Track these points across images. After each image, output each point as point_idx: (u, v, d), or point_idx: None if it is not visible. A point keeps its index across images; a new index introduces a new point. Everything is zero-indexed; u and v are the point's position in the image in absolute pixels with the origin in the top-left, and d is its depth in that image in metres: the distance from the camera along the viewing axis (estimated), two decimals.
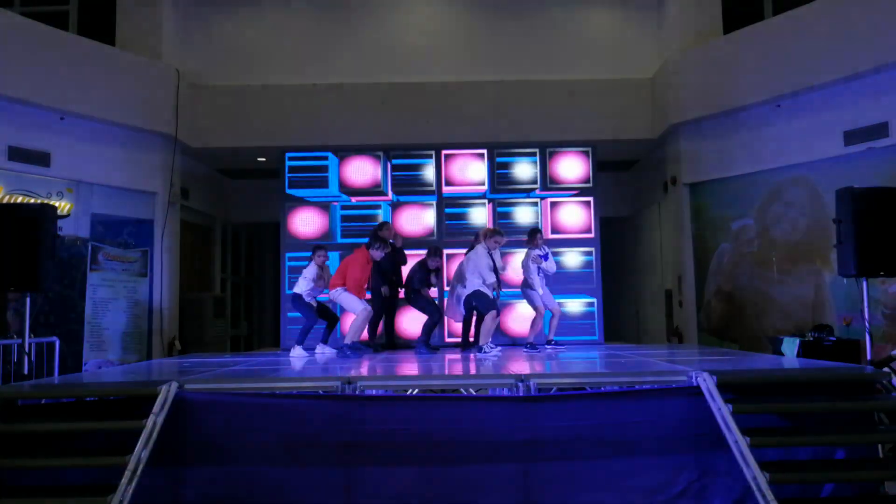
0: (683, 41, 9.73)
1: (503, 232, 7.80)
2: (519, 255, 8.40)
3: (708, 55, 9.32)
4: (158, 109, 9.39)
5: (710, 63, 9.23)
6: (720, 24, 9.71)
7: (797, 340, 6.91)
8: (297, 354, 7.36)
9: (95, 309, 8.72)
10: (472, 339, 8.00)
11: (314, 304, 7.54)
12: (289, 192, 9.41)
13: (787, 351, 6.90)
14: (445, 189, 9.44)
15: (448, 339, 8.97)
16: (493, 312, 7.33)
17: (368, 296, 7.84)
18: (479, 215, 9.39)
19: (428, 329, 7.94)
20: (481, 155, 9.50)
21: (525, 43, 10.36)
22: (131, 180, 9.28)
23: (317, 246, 7.82)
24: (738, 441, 3.91)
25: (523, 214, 9.40)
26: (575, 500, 4.22)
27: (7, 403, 4.42)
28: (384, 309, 8.37)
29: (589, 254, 9.29)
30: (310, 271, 7.56)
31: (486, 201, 9.46)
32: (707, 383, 4.24)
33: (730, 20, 9.64)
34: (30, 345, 5.94)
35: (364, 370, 5.57)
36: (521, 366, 5.90)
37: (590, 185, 9.42)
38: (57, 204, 8.09)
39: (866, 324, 5.83)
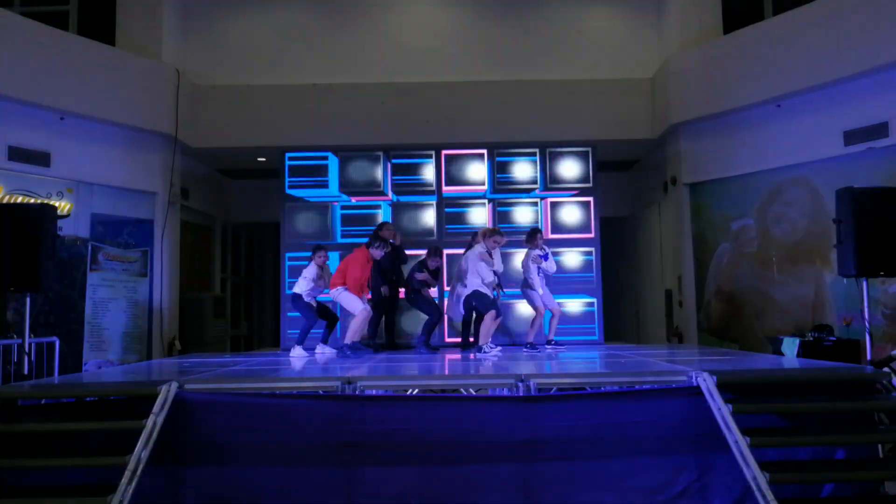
0: (683, 41, 9.73)
1: (502, 232, 7.80)
2: (519, 255, 8.41)
3: (708, 55, 9.32)
4: (158, 109, 9.39)
5: (710, 63, 9.23)
6: (720, 24, 9.71)
7: (797, 340, 6.91)
8: (297, 354, 7.36)
9: (95, 309, 8.72)
10: (472, 340, 8.00)
11: (314, 305, 7.54)
12: (289, 192, 9.41)
13: (787, 351, 6.89)
14: (445, 189, 9.43)
15: (448, 339, 8.97)
16: (493, 312, 7.33)
17: (369, 295, 7.84)
18: (479, 215, 9.39)
19: (428, 329, 7.94)
20: (481, 155, 9.50)
21: (525, 43, 10.36)
22: (131, 180, 9.28)
23: (317, 246, 7.82)
24: (738, 441, 3.91)
25: (523, 214, 9.40)
26: (575, 500, 4.22)
27: (7, 403, 4.42)
28: (384, 309, 8.37)
29: (589, 254, 9.29)
30: (310, 271, 7.56)
31: (486, 201, 9.46)
32: (707, 383, 4.24)
33: (730, 20, 9.64)
34: (30, 345, 5.94)
35: (364, 370, 5.57)
36: (521, 366, 5.91)
37: (590, 185, 9.42)
38: (57, 204, 8.09)
39: (866, 324, 5.83)
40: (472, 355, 7.13)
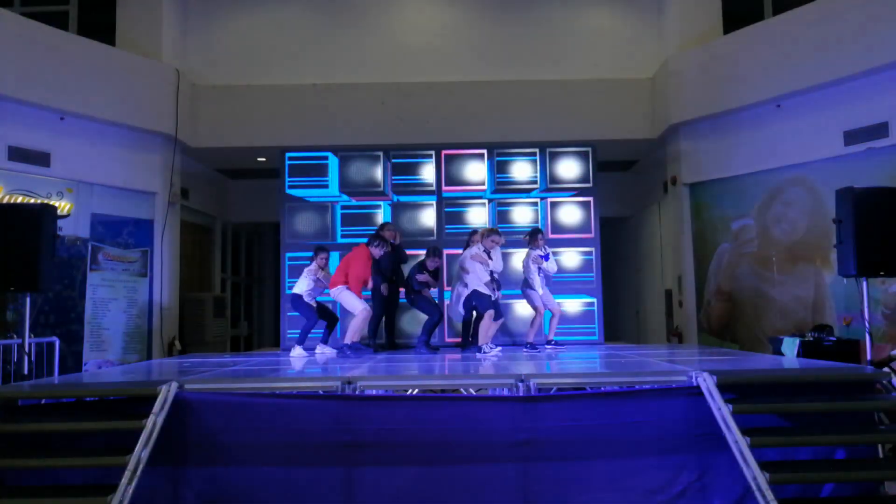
0: (683, 41, 9.74)
1: (500, 232, 7.79)
2: (519, 255, 8.41)
3: (708, 55, 9.32)
4: (158, 109, 9.39)
5: (710, 63, 9.23)
6: (720, 24, 9.72)
7: (797, 340, 6.90)
8: (297, 354, 7.36)
9: (95, 309, 8.72)
10: (472, 339, 8.01)
11: (314, 305, 7.54)
12: (289, 192, 9.40)
13: (787, 351, 6.89)
14: (445, 189, 9.43)
15: (448, 339, 8.97)
16: (491, 312, 7.33)
17: (367, 295, 7.85)
18: (479, 215, 9.38)
19: (428, 329, 7.94)
20: (481, 155, 9.49)
21: (525, 43, 10.37)
22: (131, 180, 9.28)
23: (318, 247, 7.83)
24: (738, 441, 3.91)
25: (523, 214, 9.39)
26: (575, 500, 4.23)
27: (7, 403, 4.42)
28: (384, 309, 8.37)
29: (589, 254, 9.28)
30: (310, 271, 7.57)
31: (485, 201, 9.45)
32: (707, 383, 4.24)
33: (730, 20, 9.65)
34: (30, 345, 5.94)
35: (364, 370, 5.57)
36: (521, 366, 5.91)
37: (590, 185, 9.40)
38: (57, 204, 8.09)
39: (866, 324, 5.82)
40: (472, 355, 7.13)
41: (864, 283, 5.82)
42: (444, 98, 9.90)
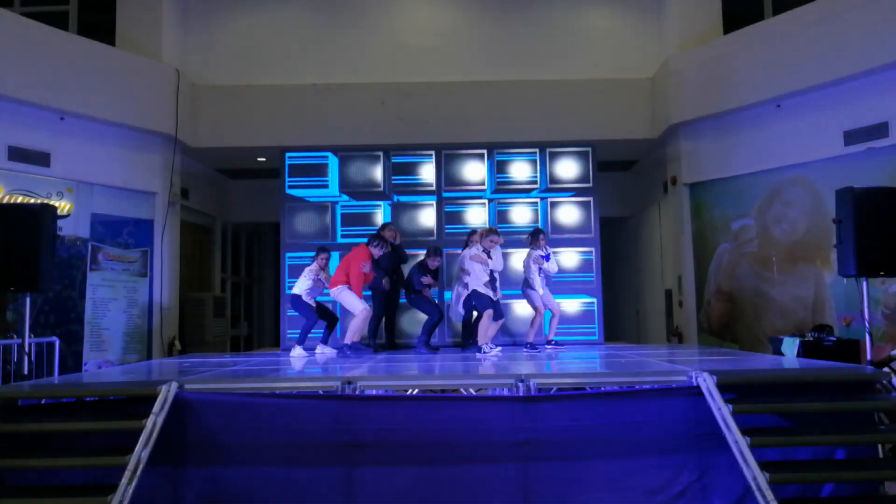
0: (683, 41, 9.74)
1: (499, 231, 7.80)
2: (519, 255, 8.41)
3: (708, 55, 9.32)
4: (158, 109, 9.39)
5: (710, 63, 9.23)
6: (720, 24, 9.72)
7: (797, 340, 6.90)
8: (297, 354, 7.36)
9: (95, 309, 8.72)
10: (472, 339, 8.01)
11: (313, 305, 7.54)
12: (289, 192, 9.40)
13: (787, 351, 6.89)
14: (445, 189, 9.43)
15: (448, 339, 8.97)
16: (490, 312, 7.33)
17: (367, 294, 7.85)
18: (479, 215, 9.38)
19: (428, 329, 7.94)
20: (481, 155, 9.49)
21: (525, 43, 10.36)
22: (131, 180, 9.28)
23: (321, 247, 7.84)
24: (738, 441, 3.91)
25: (523, 214, 9.39)
26: (575, 500, 4.23)
27: (7, 403, 4.42)
28: (384, 309, 8.37)
29: (589, 254, 9.29)
30: (311, 271, 7.57)
31: (485, 201, 9.46)
32: (707, 383, 4.24)
33: (730, 20, 9.65)
34: (30, 345, 5.94)
35: (364, 370, 5.57)
36: (521, 366, 5.91)
37: (590, 185, 9.41)
38: (57, 204, 8.09)
39: (866, 324, 5.82)
40: (472, 355, 7.13)
41: (864, 283, 5.82)
42: (444, 98, 9.90)
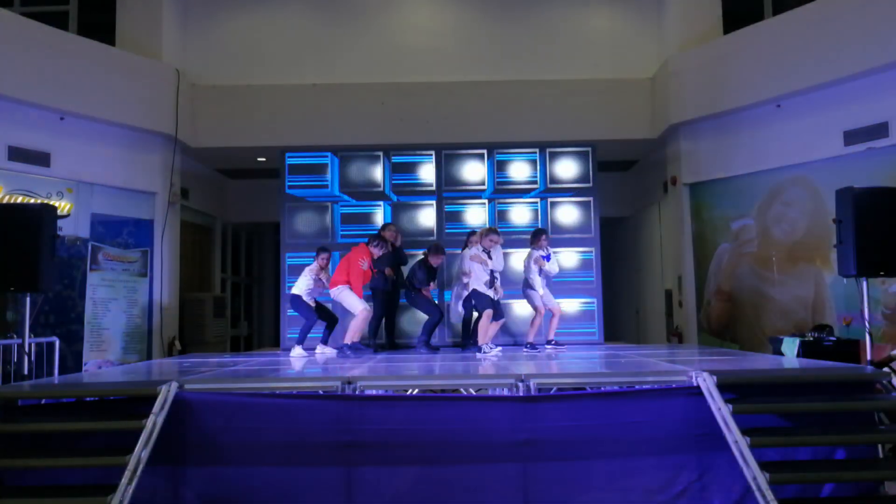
0: (683, 41, 9.73)
1: (498, 231, 7.80)
2: (519, 255, 8.41)
3: (708, 55, 9.31)
4: (158, 109, 9.39)
5: (710, 63, 9.23)
6: (720, 24, 9.71)
7: (797, 340, 6.90)
8: (297, 354, 7.36)
9: (95, 309, 8.72)
10: (472, 339, 8.01)
11: (312, 305, 7.54)
12: (289, 192, 9.40)
13: (787, 351, 6.89)
14: (445, 189, 9.43)
15: (448, 339, 8.97)
16: (490, 311, 7.33)
17: (367, 294, 7.86)
18: (479, 215, 9.38)
19: (428, 329, 7.94)
20: (481, 155, 9.49)
21: (525, 43, 10.36)
22: (131, 180, 9.28)
23: (321, 248, 7.84)
24: (738, 441, 3.91)
25: (523, 214, 9.39)
26: (575, 500, 4.23)
27: (7, 403, 4.42)
28: (384, 309, 8.37)
29: (589, 254, 9.29)
30: (311, 270, 7.57)
31: (485, 201, 9.45)
32: (707, 383, 4.24)
33: (730, 20, 9.64)
34: (30, 345, 5.93)
35: (364, 370, 5.57)
36: (521, 366, 5.90)
37: (590, 185, 9.41)
38: (57, 204, 8.09)
39: (866, 324, 5.82)
40: (472, 354, 7.13)
41: (864, 283, 5.81)
42: (444, 98, 9.90)
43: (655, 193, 10.83)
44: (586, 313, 9.15)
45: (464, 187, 9.45)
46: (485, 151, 9.48)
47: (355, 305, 7.31)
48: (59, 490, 4.06)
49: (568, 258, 9.15)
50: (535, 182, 9.41)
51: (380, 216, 9.32)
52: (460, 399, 4.79)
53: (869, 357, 5.80)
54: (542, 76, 10.06)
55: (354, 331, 7.27)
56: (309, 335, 7.56)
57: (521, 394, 4.47)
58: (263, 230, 13.45)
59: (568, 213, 9.39)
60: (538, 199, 9.43)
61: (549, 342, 7.96)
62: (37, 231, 5.72)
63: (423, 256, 8.26)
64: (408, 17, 10.57)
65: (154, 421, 4.00)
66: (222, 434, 4.27)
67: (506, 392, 4.61)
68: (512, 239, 8.63)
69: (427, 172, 9.45)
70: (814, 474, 4.15)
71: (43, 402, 4.71)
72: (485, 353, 7.15)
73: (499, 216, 9.35)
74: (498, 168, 9.42)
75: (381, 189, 9.40)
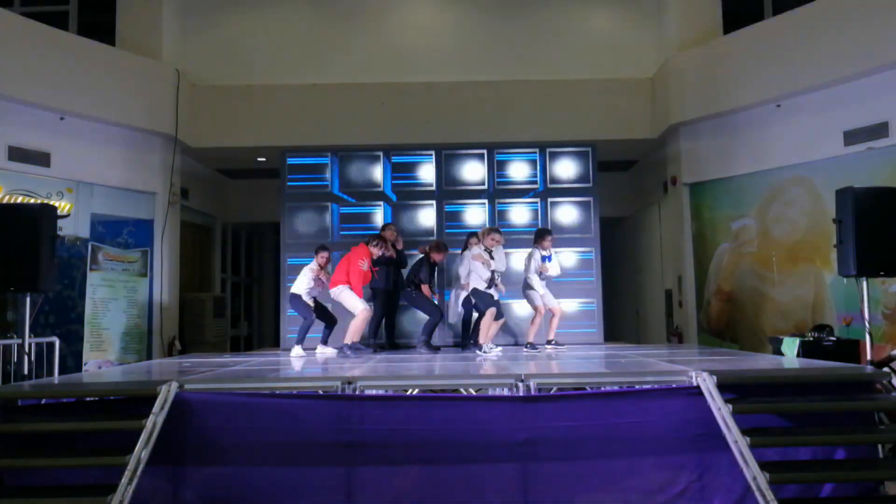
0: (683, 41, 9.73)
1: (500, 231, 7.80)
2: (519, 255, 8.41)
3: (708, 55, 9.32)
4: (158, 109, 9.39)
5: (710, 63, 9.23)
6: (720, 24, 9.72)
7: (797, 340, 6.89)
8: (297, 354, 7.36)
9: (95, 309, 8.72)
10: (472, 339, 8.00)
11: (311, 304, 7.54)
12: (289, 192, 9.40)
13: (787, 351, 6.88)
14: (445, 189, 9.43)
15: (448, 339, 8.97)
16: (493, 310, 7.33)
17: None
18: (479, 215, 9.38)
19: (429, 329, 7.93)
20: (481, 155, 9.49)
21: (525, 43, 10.36)
22: (131, 180, 9.28)
23: (321, 246, 7.83)
24: (738, 441, 3.91)
25: (523, 215, 9.39)
26: (575, 500, 4.22)
27: (7, 403, 4.42)
28: (384, 309, 8.37)
29: (589, 254, 9.28)
30: (309, 270, 7.56)
31: (485, 201, 9.45)
32: (707, 383, 4.24)
33: (730, 20, 9.65)
34: (30, 345, 5.93)
35: (364, 370, 5.57)
36: (521, 366, 5.90)
37: (590, 185, 9.41)
38: (57, 204, 8.09)
39: (866, 324, 5.82)
40: (472, 354, 7.12)
41: (864, 283, 5.81)
42: (444, 98, 9.90)
43: (655, 193, 10.83)
44: (586, 313, 9.14)
45: (464, 187, 9.44)
46: (485, 151, 9.47)
47: (355, 305, 7.31)
48: (59, 490, 4.06)
49: (568, 258, 9.15)
50: (534, 182, 9.40)
51: (380, 216, 9.32)
52: (460, 399, 4.79)
53: (869, 357, 5.80)
54: (542, 76, 10.06)
55: (354, 331, 7.26)
56: (309, 335, 7.56)
57: (521, 394, 4.47)
58: (263, 230, 13.45)
59: (568, 214, 9.38)
60: (538, 200, 9.43)
61: (549, 342, 7.96)
62: (37, 231, 5.72)
63: (424, 254, 8.24)
64: (407, 17, 10.57)
65: (154, 421, 4.00)
66: (222, 434, 4.26)
67: (506, 392, 4.61)
68: (512, 239, 8.63)
69: (427, 172, 9.45)
70: (814, 474, 4.16)
71: (43, 402, 4.71)
72: (485, 352, 7.15)
73: (499, 216, 9.35)
74: (498, 168, 9.42)
75: (381, 189, 9.40)
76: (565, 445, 4.26)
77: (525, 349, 7.77)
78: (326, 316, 7.78)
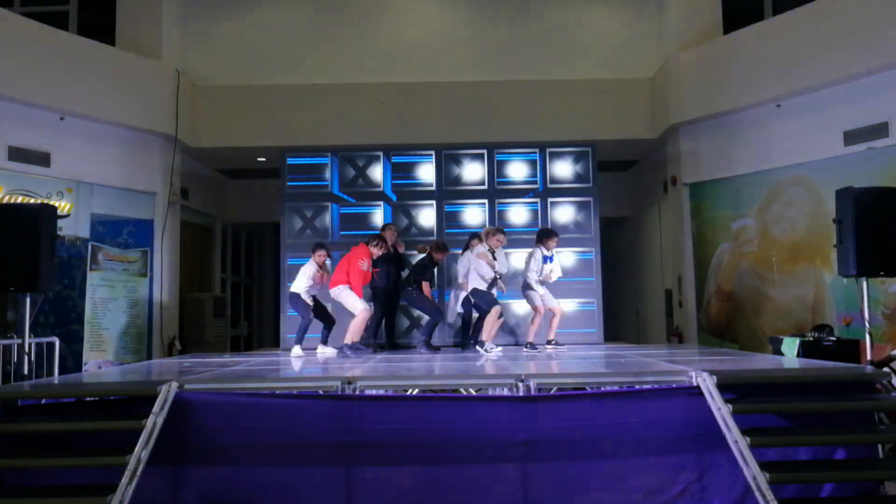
0: (683, 41, 9.73)
1: (505, 231, 7.79)
2: (518, 255, 8.41)
3: (708, 55, 9.32)
4: (158, 109, 9.39)
5: (710, 63, 9.23)
6: (720, 24, 9.71)
7: (797, 340, 6.89)
8: (297, 354, 7.36)
9: (95, 309, 8.72)
10: (472, 339, 8.00)
11: (310, 303, 7.53)
12: (289, 192, 9.40)
13: (787, 351, 6.88)
14: (445, 189, 9.43)
15: (448, 339, 8.97)
16: (497, 308, 7.33)
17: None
18: (479, 215, 9.39)
19: (428, 329, 7.94)
20: (481, 155, 9.49)
21: (525, 43, 10.37)
22: (131, 180, 9.28)
23: (318, 244, 7.82)
24: (737, 441, 3.91)
25: (523, 215, 9.40)
26: (575, 500, 4.22)
27: (7, 403, 4.42)
28: (384, 309, 8.37)
29: (589, 254, 9.29)
30: (308, 269, 7.56)
31: (485, 201, 9.45)
32: (707, 383, 4.24)
33: (730, 20, 9.64)
34: (30, 345, 5.94)
35: (364, 370, 5.57)
36: (521, 366, 5.90)
37: (590, 185, 9.41)
38: (57, 204, 8.09)
39: (866, 324, 5.82)
40: (472, 353, 7.12)
41: (864, 283, 5.82)
42: (444, 98, 9.90)
43: (655, 193, 10.83)
44: (586, 313, 9.15)
45: (464, 187, 9.44)
46: (485, 151, 9.48)
47: (355, 305, 7.31)
48: (59, 490, 4.06)
49: (568, 258, 9.15)
50: (534, 182, 9.41)
51: (380, 216, 9.33)
52: (460, 399, 4.79)
53: (869, 357, 5.80)
54: (542, 76, 10.06)
55: (354, 331, 7.26)
56: (309, 335, 7.55)
57: (521, 394, 4.46)
58: (263, 230, 13.45)
59: (568, 214, 9.39)
60: (538, 200, 9.43)
61: (549, 342, 7.96)
62: (37, 231, 5.73)
63: (427, 254, 8.23)
64: (408, 17, 10.57)
65: (154, 421, 4.00)
66: (222, 434, 4.26)
67: (506, 392, 4.61)
68: (512, 239, 8.61)
69: (427, 173, 9.45)
70: (814, 474, 4.15)
71: (43, 402, 4.71)
72: (486, 351, 7.15)
73: (498, 216, 9.35)
74: (498, 168, 9.42)
75: (381, 189, 9.40)
76: (565, 445, 4.26)
77: (525, 349, 7.77)
78: (325, 316, 7.78)
